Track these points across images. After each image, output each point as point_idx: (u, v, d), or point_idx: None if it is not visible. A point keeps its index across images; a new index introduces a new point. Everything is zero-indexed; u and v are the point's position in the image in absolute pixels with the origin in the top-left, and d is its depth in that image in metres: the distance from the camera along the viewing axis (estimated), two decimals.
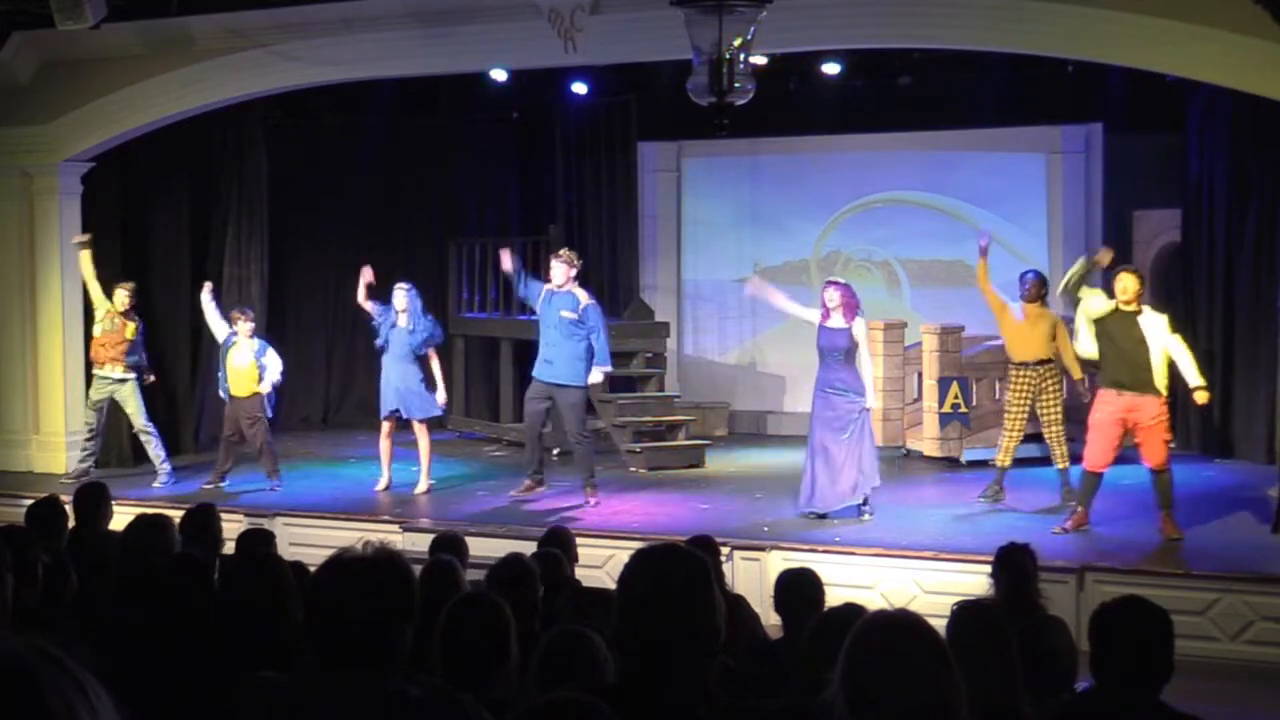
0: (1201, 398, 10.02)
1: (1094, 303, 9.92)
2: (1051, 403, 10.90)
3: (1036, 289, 10.96)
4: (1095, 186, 14.66)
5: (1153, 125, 14.30)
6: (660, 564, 2.92)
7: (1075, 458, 10.64)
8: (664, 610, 2.82)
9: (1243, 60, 9.75)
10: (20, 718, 1.33)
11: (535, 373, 11.29)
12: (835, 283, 10.71)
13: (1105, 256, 10.31)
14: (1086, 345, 10.01)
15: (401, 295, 11.89)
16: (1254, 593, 8.79)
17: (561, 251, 11.47)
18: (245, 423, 12.13)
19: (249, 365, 12.15)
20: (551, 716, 2.36)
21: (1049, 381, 10.92)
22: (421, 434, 12.00)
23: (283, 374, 12.38)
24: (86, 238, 12.81)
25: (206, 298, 12.57)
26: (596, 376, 11.25)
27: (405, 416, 11.98)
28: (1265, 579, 8.90)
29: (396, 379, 11.91)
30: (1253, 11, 9.19)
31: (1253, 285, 12.91)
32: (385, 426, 12.06)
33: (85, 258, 12.68)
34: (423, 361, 12.01)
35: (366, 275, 12.07)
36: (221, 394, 12.38)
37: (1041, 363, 10.90)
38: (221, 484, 12.26)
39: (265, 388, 12.13)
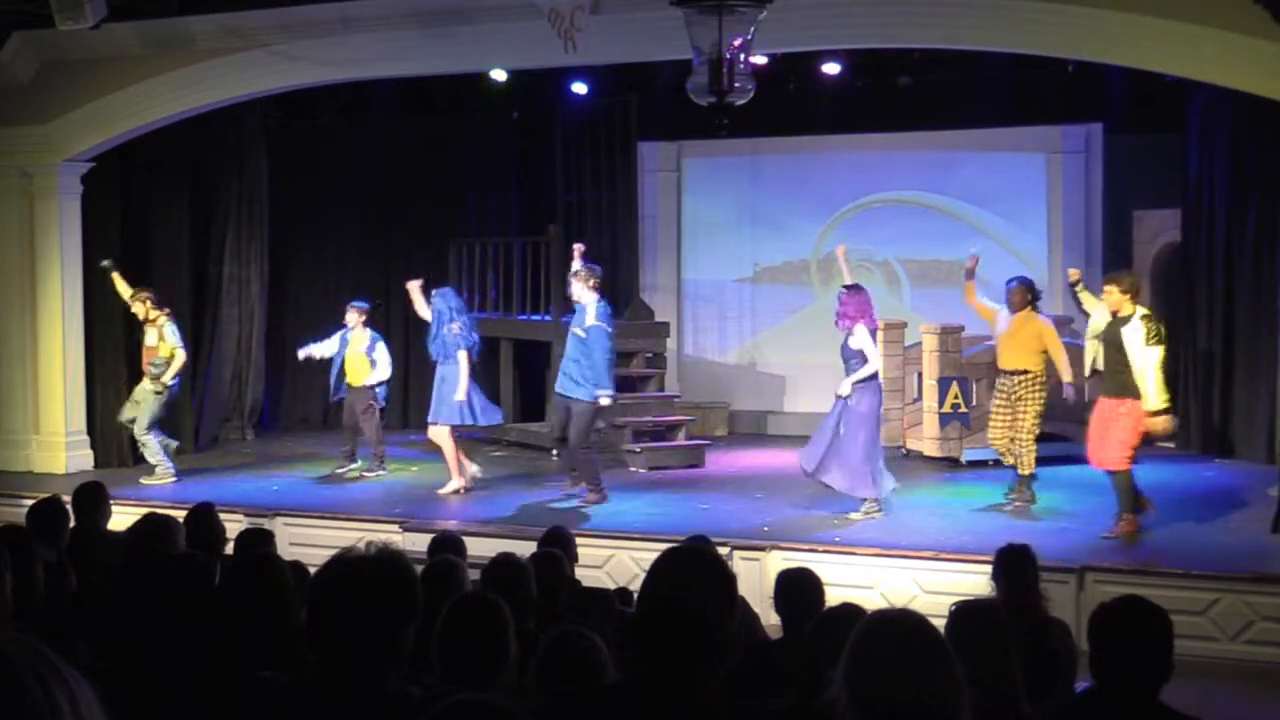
0: (1155, 425, 9.86)
1: (1096, 315, 10.07)
2: (1026, 411, 10.72)
3: (1021, 297, 10.78)
4: (1095, 186, 14.65)
5: (1153, 125, 14.29)
6: (690, 568, 2.85)
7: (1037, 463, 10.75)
8: (686, 614, 2.76)
9: (1242, 60, 9.74)
10: None
11: (557, 383, 11.59)
12: (841, 290, 10.65)
13: (1073, 275, 10.54)
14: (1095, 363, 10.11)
15: (435, 301, 12.07)
16: (1254, 593, 8.79)
17: (579, 270, 11.53)
18: (360, 409, 12.60)
19: (360, 356, 12.61)
20: (457, 717, 2.34)
21: (1025, 390, 10.72)
22: (444, 438, 12.01)
23: (390, 375, 12.93)
24: (109, 261, 12.83)
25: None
26: (604, 400, 11.31)
27: (429, 420, 12.08)
28: (1265, 579, 8.89)
29: (437, 383, 12.01)
30: (1253, 11, 9.20)
31: (1253, 285, 12.90)
32: (433, 432, 12.09)
33: (117, 279, 12.75)
34: (457, 365, 11.94)
35: (413, 288, 12.31)
36: (335, 397, 12.97)
37: (1018, 372, 10.75)
38: (352, 465, 12.80)
39: (372, 381, 12.62)
